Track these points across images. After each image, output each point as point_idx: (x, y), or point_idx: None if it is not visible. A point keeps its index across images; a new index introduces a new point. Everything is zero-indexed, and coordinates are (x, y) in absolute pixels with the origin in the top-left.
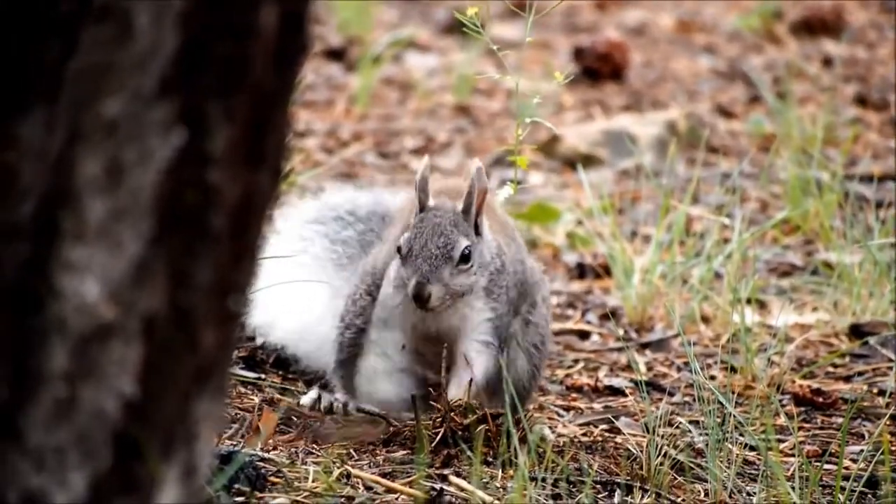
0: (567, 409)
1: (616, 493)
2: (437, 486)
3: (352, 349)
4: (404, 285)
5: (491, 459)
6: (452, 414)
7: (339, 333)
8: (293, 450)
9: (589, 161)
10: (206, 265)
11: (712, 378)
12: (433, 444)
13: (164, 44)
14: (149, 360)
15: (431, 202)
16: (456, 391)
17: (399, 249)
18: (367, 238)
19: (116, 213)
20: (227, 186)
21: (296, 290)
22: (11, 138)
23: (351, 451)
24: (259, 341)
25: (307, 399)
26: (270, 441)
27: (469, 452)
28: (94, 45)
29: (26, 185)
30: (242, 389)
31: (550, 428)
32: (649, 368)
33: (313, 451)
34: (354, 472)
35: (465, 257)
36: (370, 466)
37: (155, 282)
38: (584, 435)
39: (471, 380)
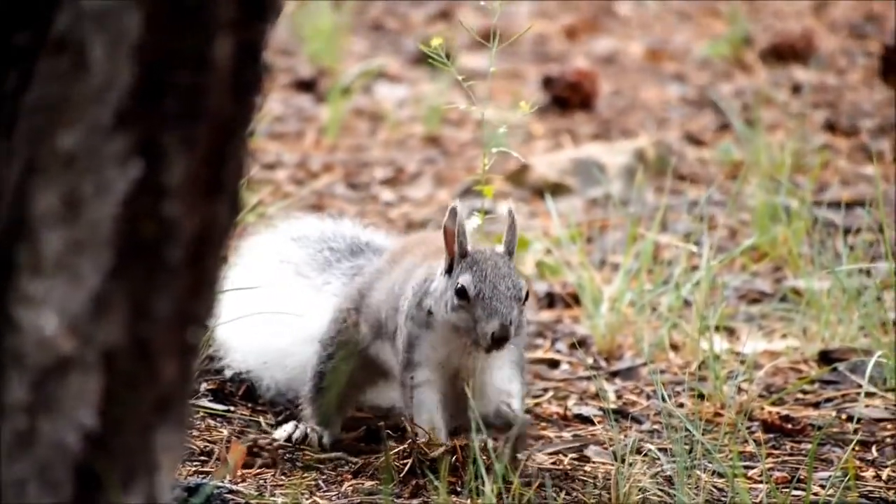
0: (537, 438)
1: None
2: None
3: (332, 377)
4: (470, 327)
5: (459, 489)
6: (420, 444)
7: (321, 361)
8: (261, 481)
9: (558, 190)
10: (164, 297)
11: (681, 406)
12: (402, 475)
13: (120, 76)
14: (108, 392)
15: (471, 247)
16: (505, 412)
17: (463, 293)
18: (355, 248)
19: (74, 245)
20: (185, 218)
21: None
22: None
23: (319, 482)
24: (228, 372)
25: (282, 432)
26: (239, 473)
27: (437, 482)
28: (50, 78)
29: None
30: (211, 422)
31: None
32: (618, 397)
33: (281, 482)
34: (322, 503)
35: (526, 296)
36: (338, 497)
37: (114, 314)
38: (554, 464)
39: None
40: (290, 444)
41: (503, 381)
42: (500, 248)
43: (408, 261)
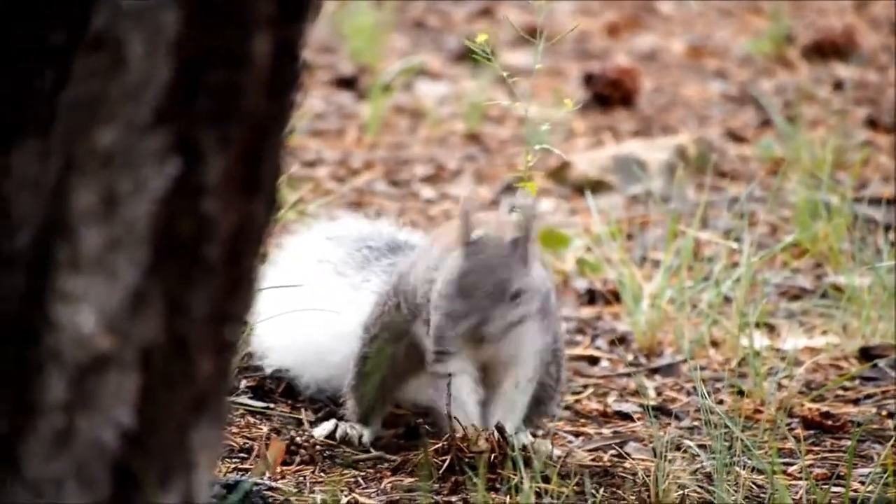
0: (576, 434)
1: None
2: None
3: (375, 362)
4: (461, 319)
5: (499, 486)
6: (458, 440)
7: (363, 344)
8: (300, 478)
9: (599, 187)
10: (201, 294)
11: (721, 402)
12: (441, 472)
13: (158, 73)
14: (146, 390)
15: (476, 235)
16: (516, 429)
17: (451, 285)
18: (394, 245)
19: (112, 243)
20: (222, 215)
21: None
22: (5, 169)
23: (359, 478)
24: (267, 369)
25: (321, 430)
26: (278, 470)
27: (476, 479)
28: (87, 76)
29: (21, 216)
30: (250, 419)
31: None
32: (658, 393)
33: (321, 479)
34: (362, 500)
35: (518, 292)
36: (377, 494)
37: (151, 312)
38: (594, 460)
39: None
40: (329, 442)
41: (510, 391)
42: (508, 239)
43: (442, 243)
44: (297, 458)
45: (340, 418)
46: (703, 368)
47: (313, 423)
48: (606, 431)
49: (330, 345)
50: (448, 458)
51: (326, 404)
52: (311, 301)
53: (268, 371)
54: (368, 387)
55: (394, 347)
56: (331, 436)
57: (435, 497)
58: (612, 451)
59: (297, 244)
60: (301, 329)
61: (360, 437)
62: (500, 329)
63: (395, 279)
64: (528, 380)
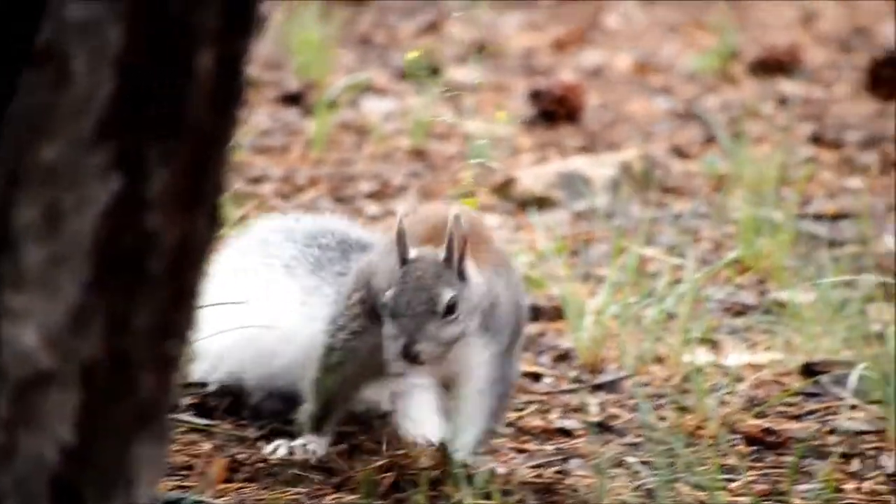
0: (519, 451)
1: None
2: None
3: (342, 353)
4: (394, 340)
5: (441, 503)
6: (401, 457)
7: (330, 335)
8: (242, 496)
9: (544, 203)
10: (144, 310)
11: (663, 419)
12: (383, 489)
13: (102, 88)
14: (87, 406)
15: (412, 253)
16: (462, 450)
17: (384, 306)
18: (345, 247)
19: (55, 259)
20: (165, 230)
21: (260, 298)
22: None
23: (301, 496)
24: (211, 386)
25: (270, 448)
26: (219, 487)
27: (418, 496)
28: (33, 90)
29: None
30: (193, 436)
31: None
32: (601, 410)
33: (262, 497)
34: None
35: (451, 308)
36: None
37: (93, 328)
38: (536, 477)
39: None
40: (276, 460)
41: (467, 404)
42: (441, 255)
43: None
44: (239, 476)
45: (290, 435)
46: (646, 385)
47: (257, 441)
48: (549, 448)
49: (276, 347)
50: (391, 475)
51: (272, 420)
52: (258, 300)
53: (212, 388)
54: (325, 393)
55: (359, 342)
56: (279, 454)
57: None
58: (555, 468)
59: (244, 236)
60: (247, 331)
61: (314, 452)
62: (433, 348)
63: (357, 275)
64: (479, 392)
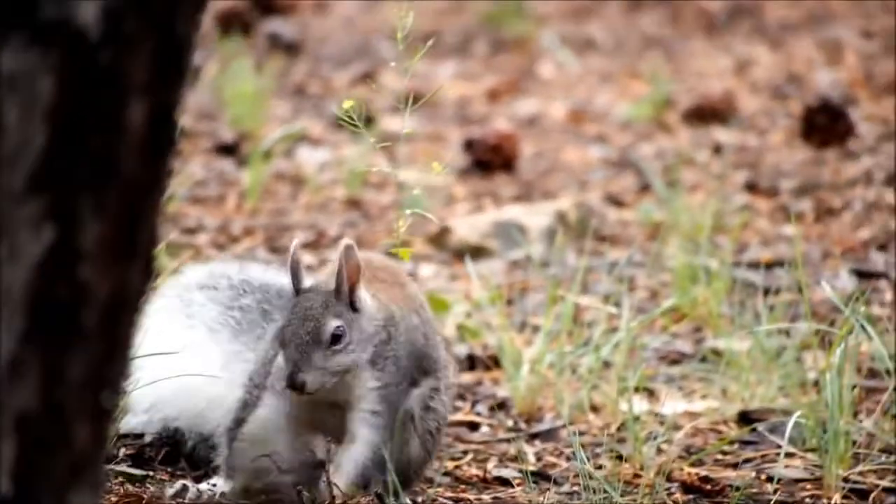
0: (456, 500)
1: None
2: None
3: (253, 409)
4: (282, 369)
5: None
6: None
7: (247, 391)
8: None
9: (479, 252)
10: (78, 361)
11: (600, 467)
12: None
13: (33, 139)
14: (23, 458)
15: (306, 284)
16: (347, 474)
17: (275, 337)
18: (266, 307)
19: None
20: (99, 282)
21: (183, 359)
22: None
23: None
24: (147, 437)
25: (172, 490)
26: None
27: None
28: None
29: None
30: (129, 487)
31: None
32: (538, 458)
33: None
34: None
35: (337, 338)
36: None
37: (28, 379)
38: None
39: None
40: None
41: (356, 425)
42: (330, 286)
43: None
44: None
45: (197, 479)
46: (582, 433)
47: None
48: (486, 497)
49: (204, 409)
50: None
51: (206, 471)
52: (185, 363)
53: (148, 438)
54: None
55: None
56: (179, 494)
57: None
58: None
59: (167, 296)
60: (178, 381)
61: (217, 494)
62: (318, 377)
63: (275, 335)
64: (372, 412)
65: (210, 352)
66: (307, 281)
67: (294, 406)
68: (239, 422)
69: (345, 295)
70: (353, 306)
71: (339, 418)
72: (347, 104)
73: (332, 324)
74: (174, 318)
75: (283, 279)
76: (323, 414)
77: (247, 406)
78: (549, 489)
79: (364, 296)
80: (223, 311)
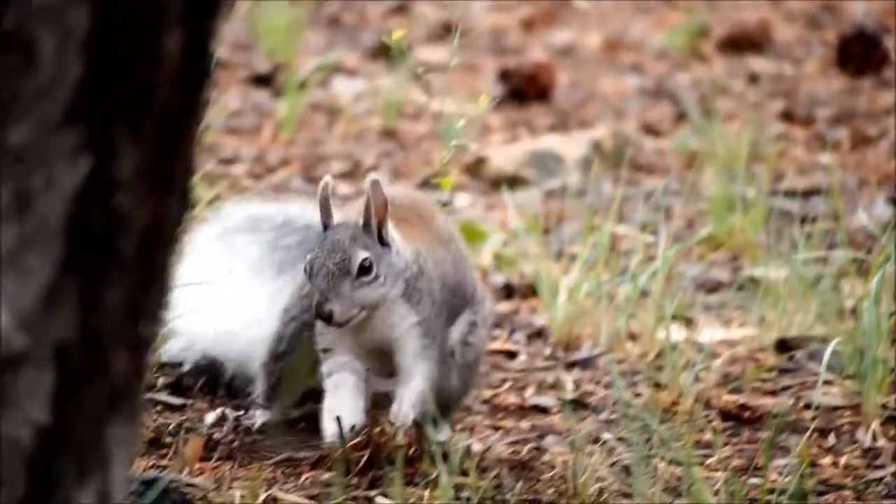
0: (495, 428)
1: None
2: None
3: (290, 343)
4: (311, 300)
5: (417, 480)
6: (377, 434)
7: (283, 324)
8: (219, 474)
9: (515, 182)
10: (116, 290)
11: (638, 395)
12: (359, 467)
13: (69, 71)
14: (61, 387)
15: (335, 220)
16: (405, 410)
17: (304, 270)
18: (310, 246)
19: (25, 240)
20: (136, 211)
21: (226, 293)
22: None
23: (277, 474)
24: (186, 365)
25: (211, 417)
26: (196, 466)
27: (393, 474)
28: None
29: None
30: (169, 415)
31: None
32: (576, 387)
33: (239, 475)
34: (280, 495)
35: (366, 269)
36: (296, 490)
37: (65, 308)
38: (512, 454)
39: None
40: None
41: (407, 362)
42: (360, 221)
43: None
44: (216, 455)
45: (236, 408)
46: (620, 362)
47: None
48: (524, 425)
49: (246, 344)
50: (366, 453)
51: (245, 400)
52: (226, 296)
53: (187, 367)
54: (279, 367)
55: (307, 332)
56: (218, 424)
57: (353, 492)
58: (531, 445)
59: (211, 234)
60: (220, 312)
61: (255, 424)
62: (346, 308)
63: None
64: (421, 346)
65: (253, 288)
66: (336, 217)
67: (340, 345)
68: (276, 355)
69: (373, 229)
70: (382, 241)
71: (387, 358)
72: (398, 34)
73: (361, 255)
74: (216, 259)
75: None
76: (370, 353)
77: (282, 339)
78: (587, 417)
79: (393, 231)
80: (267, 251)
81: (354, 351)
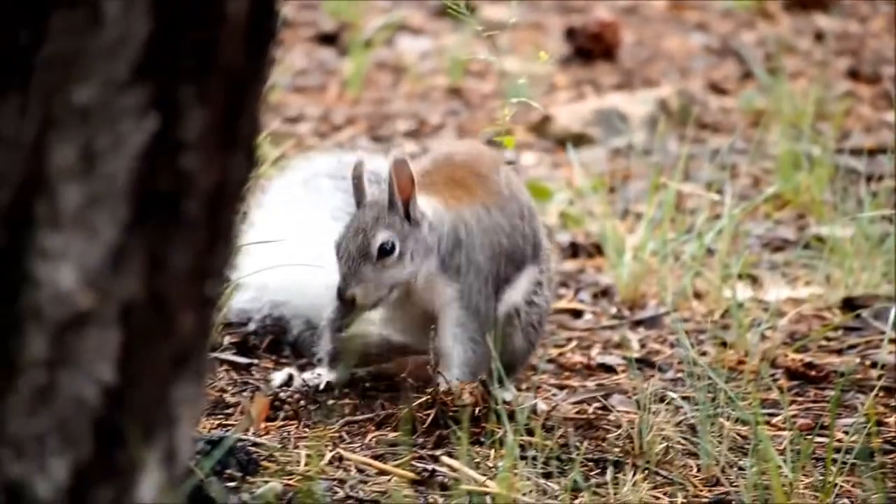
0: (560, 387)
1: (608, 470)
2: (429, 466)
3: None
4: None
5: (483, 439)
6: (442, 395)
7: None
8: (285, 434)
9: (581, 140)
10: (181, 250)
11: (704, 354)
12: (425, 426)
13: (135, 30)
14: (127, 346)
15: (368, 198)
16: (451, 379)
17: (334, 251)
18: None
19: (91, 199)
20: (201, 171)
21: (299, 244)
22: None
23: (343, 433)
24: (252, 325)
25: (278, 379)
26: (262, 425)
27: (460, 433)
28: (65, 32)
29: (0, 174)
30: (234, 375)
31: (543, 402)
32: (642, 346)
33: (305, 434)
34: (346, 454)
35: (387, 251)
36: (362, 449)
37: (131, 268)
38: (578, 413)
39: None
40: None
41: (446, 341)
42: (383, 199)
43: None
44: (281, 414)
45: (302, 368)
46: (686, 320)
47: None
48: (590, 384)
49: (315, 297)
50: (432, 412)
51: (310, 359)
52: (303, 249)
53: (252, 326)
54: (343, 323)
55: None
56: (287, 383)
57: (419, 451)
58: (597, 404)
59: (296, 178)
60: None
61: (320, 384)
62: (369, 291)
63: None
64: (460, 326)
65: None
66: (370, 195)
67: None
68: (340, 312)
69: (398, 208)
70: (410, 218)
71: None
72: None
73: (381, 237)
74: (298, 204)
75: None
76: (425, 318)
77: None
78: (652, 376)
79: (423, 206)
80: (347, 198)
81: (406, 321)
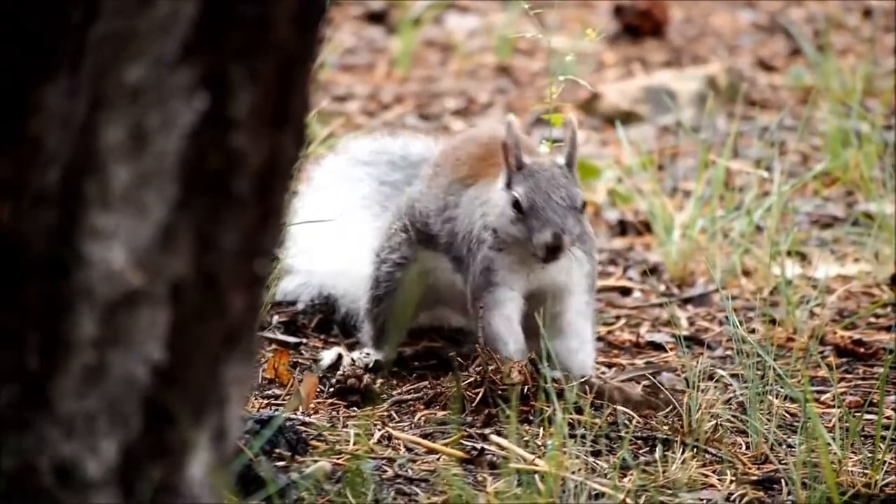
0: (609, 365)
1: (657, 448)
2: (478, 445)
3: (387, 285)
4: (527, 239)
5: (531, 418)
6: (491, 373)
7: (375, 267)
8: (334, 413)
9: (629, 118)
10: (231, 229)
11: (753, 331)
12: (474, 404)
13: (185, 8)
14: (177, 326)
15: (528, 159)
16: (587, 361)
17: (517, 204)
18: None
19: (141, 178)
20: (251, 150)
21: (339, 230)
22: (36, 106)
23: (392, 412)
24: (300, 304)
25: (328, 359)
26: (311, 404)
27: (508, 411)
28: (115, 11)
29: (51, 153)
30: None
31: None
32: (690, 323)
33: (354, 413)
34: (395, 433)
35: (584, 205)
36: (410, 427)
37: (181, 247)
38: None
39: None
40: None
41: (576, 320)
42: (560, 160)
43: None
44: (331, 393)
45: (350, 347)
46: (734, 298)
47: (320, 351)
48: (639, 362)
49: (356, 289)
50: (481, 390)
51: (358, 339)
52: (341, 237)
53: (301, 306)
54: (381, 309)
55: (403, 272)
56: (335, 364)
57: (468, 430)
58: (645, 382)
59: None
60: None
61: (369, 364)
62: (571, 240)
63: (402, 204)
64: (586, 303)
65: (364, 224)
66: (526, 158)
67: (509, 281)
68: (375, 298)
69: (575, 169)
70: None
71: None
72: None
73: (579, 192)
74: (334, 191)
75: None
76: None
77: (379, 282)
78: (701, 353)
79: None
80: (376, 186)
81: (519, 289)
